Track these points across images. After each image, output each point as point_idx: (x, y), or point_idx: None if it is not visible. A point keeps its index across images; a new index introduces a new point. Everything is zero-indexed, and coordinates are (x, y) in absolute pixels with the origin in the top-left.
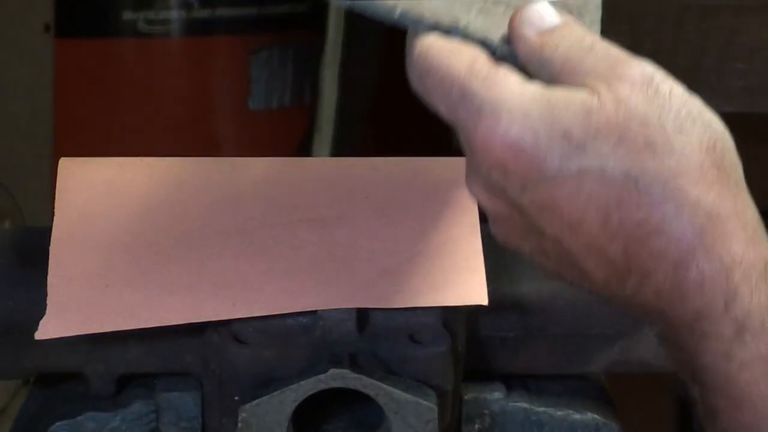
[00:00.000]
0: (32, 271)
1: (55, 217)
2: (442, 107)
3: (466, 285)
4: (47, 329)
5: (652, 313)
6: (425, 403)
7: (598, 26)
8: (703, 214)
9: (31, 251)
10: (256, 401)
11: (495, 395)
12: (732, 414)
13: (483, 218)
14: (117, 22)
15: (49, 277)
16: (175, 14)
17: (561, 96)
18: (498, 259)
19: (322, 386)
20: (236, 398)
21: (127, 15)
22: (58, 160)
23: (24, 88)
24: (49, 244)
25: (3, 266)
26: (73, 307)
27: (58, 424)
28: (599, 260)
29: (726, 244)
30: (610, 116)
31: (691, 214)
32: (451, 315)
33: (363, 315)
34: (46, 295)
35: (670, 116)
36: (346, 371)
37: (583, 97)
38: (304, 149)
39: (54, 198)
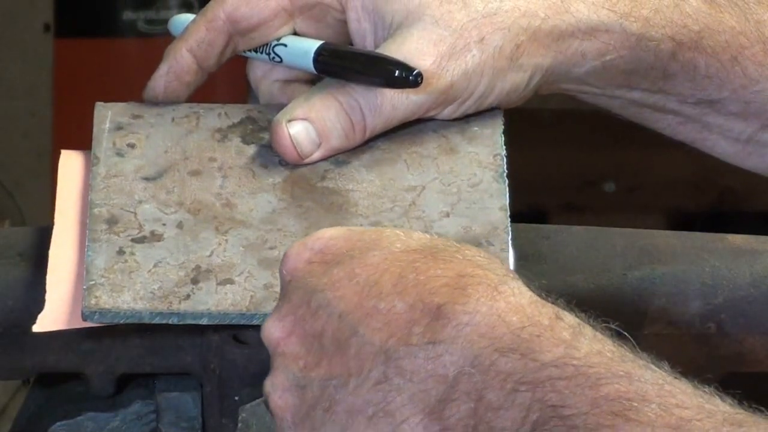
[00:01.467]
0: (32, 271)
1: (55, 216)
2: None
3: None
4: (45, 322)
5: (448, 352)
6: None
7: (508, 253)
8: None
9: (31, 251)
10: (256, 401)
11: None
12: (587, 394)
13: None
14: (117, 22)
15: (48, 276)
16: (175, 14)
17: None
18: None
19: None
20: (236, 398)
21: (127, 15)
22: (57, 160)
23: (24, 88)
24: (49, 244)
25: (3, 266)
26: (72, 302)
27: (58, 424)
28: (382, 320)
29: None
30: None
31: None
32: None
33: None
34: (45, 294)
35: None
36: None
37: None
38: None
39: (54, 198)
